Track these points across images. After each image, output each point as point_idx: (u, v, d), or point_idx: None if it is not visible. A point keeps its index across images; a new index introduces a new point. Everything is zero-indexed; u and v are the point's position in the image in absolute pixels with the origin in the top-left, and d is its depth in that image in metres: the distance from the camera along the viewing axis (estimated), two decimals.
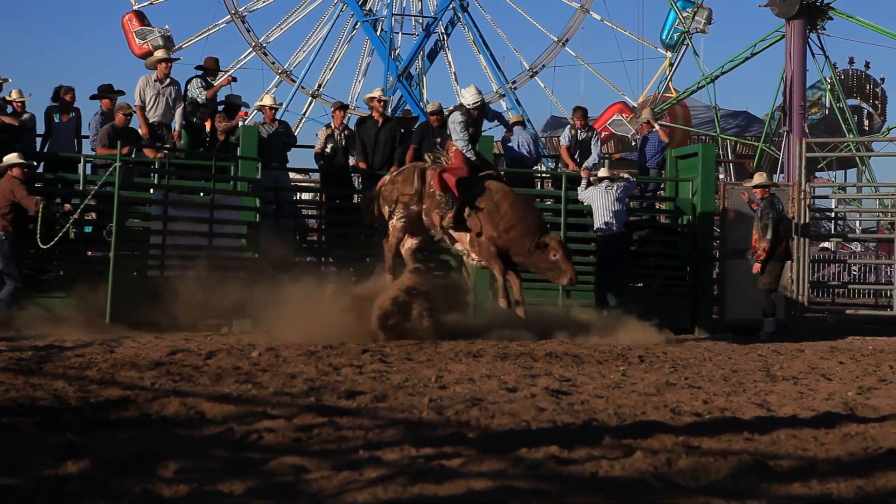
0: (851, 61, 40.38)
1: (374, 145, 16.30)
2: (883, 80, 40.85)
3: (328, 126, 16.81)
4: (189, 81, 16.24)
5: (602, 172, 15.37)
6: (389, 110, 24.10)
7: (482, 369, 10.04)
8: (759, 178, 16.69)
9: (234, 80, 17.08)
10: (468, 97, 13.75)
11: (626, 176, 15.64)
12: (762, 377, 10.11)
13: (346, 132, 16.56)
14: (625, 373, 10.12)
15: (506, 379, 9.29)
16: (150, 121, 15.73)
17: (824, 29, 33.02)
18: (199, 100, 16.04)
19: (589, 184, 15.30)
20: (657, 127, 18.17)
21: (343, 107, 17.28)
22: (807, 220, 17.22)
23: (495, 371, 9.92)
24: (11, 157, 13.92)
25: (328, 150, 16.44)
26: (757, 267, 15.67)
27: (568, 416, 7.27)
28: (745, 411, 7.78)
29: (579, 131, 17.00)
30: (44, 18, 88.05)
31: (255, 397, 7.88)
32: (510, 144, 17.36)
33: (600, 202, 15.06)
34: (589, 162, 16.33)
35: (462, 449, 5.97)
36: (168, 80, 15.94)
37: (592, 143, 16.75)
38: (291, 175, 18.17)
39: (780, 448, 6.31)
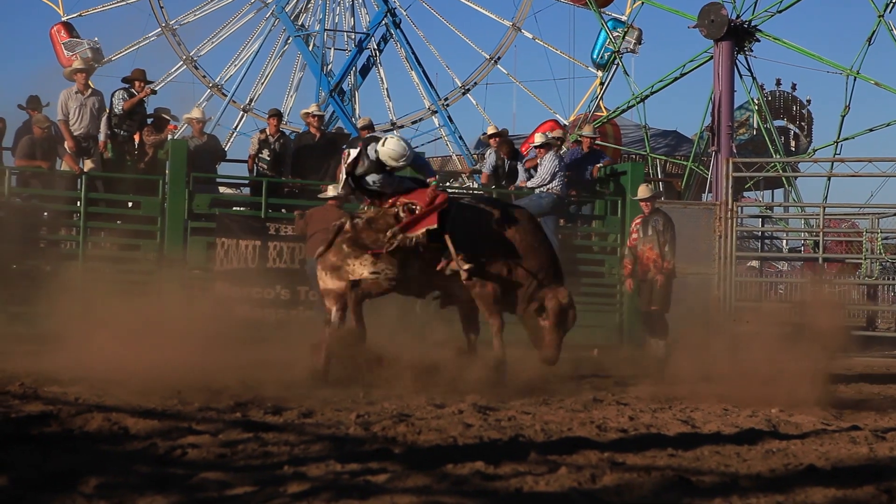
0: (778, 83, 40.85)
1: (310, 160, 16.24)
2: (809, 101, 41.35)
3: (263, 132, 16.66)
4: (114, 94, 16.06)
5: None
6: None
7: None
8: (644, 191, 15.27)
9: (154, 92, 16.84)
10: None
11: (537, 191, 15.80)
12: (688, 393, 10.19)
13: (281, 140, 16.43)
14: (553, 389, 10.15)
15: (434, 395, 9.29)
16: (75, 133, 15.52)
17: (752, 51, 33.35)
18: (115, 110, 15.82)
19: None
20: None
21: (278, 114, 17.10)
22: (734, 239, 17.37)
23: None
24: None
25: (264, 155, 16.27)
26: (661, 279, 15.08)
27: (495, 432, 7.28)
28: (670, 428, 7.85)
29: (506, 161, 16.82)
30: None
31: (181, 412, 7.81)
32: None
33: None
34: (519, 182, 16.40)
35: (388, 465, 5.95)
36: (90, 91, 15.76)
37: (519, 166, 16.69)
38: (221, 189, 18.03)
39: (703, 464, 6.38)
